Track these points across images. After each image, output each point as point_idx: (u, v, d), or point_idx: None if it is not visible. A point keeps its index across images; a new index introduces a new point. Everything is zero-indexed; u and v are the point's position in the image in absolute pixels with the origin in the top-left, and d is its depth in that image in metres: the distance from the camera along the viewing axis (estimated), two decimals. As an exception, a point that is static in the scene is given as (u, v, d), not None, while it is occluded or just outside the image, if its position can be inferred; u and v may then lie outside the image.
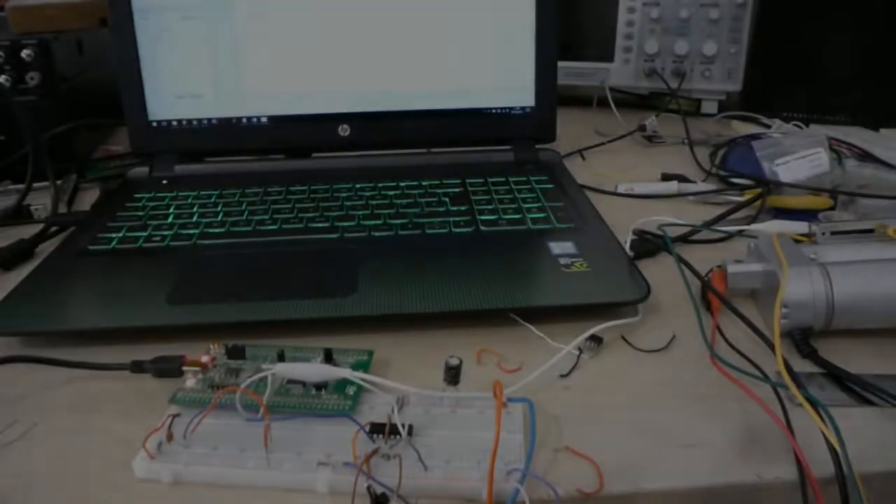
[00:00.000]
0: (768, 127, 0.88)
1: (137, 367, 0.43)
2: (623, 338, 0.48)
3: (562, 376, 0.44)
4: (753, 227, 0.56)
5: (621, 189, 0.73)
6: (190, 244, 0.57)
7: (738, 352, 0.45)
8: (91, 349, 0.46)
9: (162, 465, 0.36)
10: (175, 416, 0.39)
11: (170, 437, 0.37)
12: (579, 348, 0.45)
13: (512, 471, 0.35)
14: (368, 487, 0.33)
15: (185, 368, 0.42)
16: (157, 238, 0.58)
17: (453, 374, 0.38)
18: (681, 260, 0.52)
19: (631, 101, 1.04)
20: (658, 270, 0.54)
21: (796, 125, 0.87)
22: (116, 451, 0.38)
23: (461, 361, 0.38)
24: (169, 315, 0.47)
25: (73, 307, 0.48)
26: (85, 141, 0.84)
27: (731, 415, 0.40)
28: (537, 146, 0.76)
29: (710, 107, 1.00)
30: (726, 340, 0.47)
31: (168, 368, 0.42)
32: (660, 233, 0.58)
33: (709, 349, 0.45)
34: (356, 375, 0.38)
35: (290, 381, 0.40)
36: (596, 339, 0.46)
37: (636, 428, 0.40)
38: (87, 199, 0.74)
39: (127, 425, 0.40)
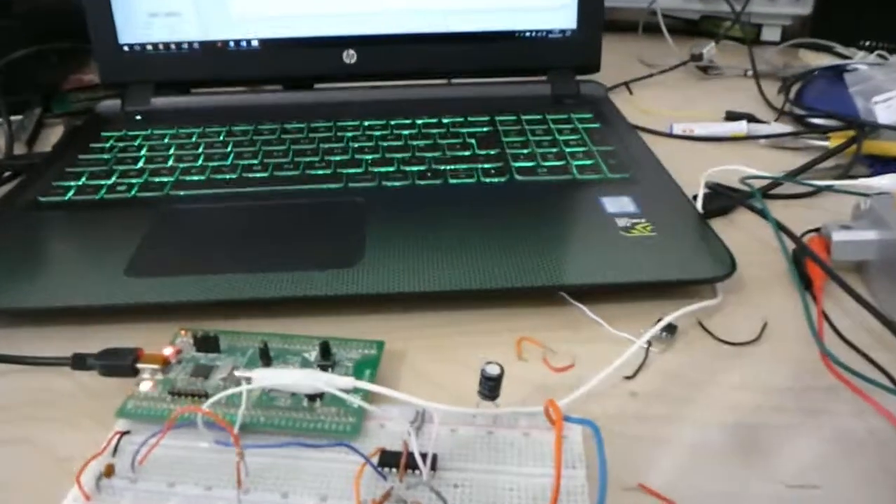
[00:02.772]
0: (847, 58, 0.75)
1: (80, 362, 0.33)
2: (701, 325, 0.37)
3: (626, 378, 0.34)
4: (864, 181, 0.44)
5: (677, 130, 0.62)
6: (161, 195, 0.47)
7: (856, 349, 0.35)
8: (29, 332, 0.37)
9: (100, 509, 0.27)
10: (123, 434, 0.30)
11: (108, 472, 0.27)
12: (648, 341, 0.35)
13: (574, 531, 0.25)
14: (376, 556, 0.24)
15: (140, 366, 0.32)
16: (123, 187, 0.48)
17: (492, 387, 0.28)
18: (778, 225, 0.41)
19: (677, 27, 0.91)
20: (734, 235, 0.43)
21: (881, 55, 0.74)
22: (48, 475, 0.29)
23: (502, 371, 0.28)
24: (125, 292, 0.37)
25: (8, 278, 0.39)
26: (52, 70, 0.72)
27: (853, 438, 0.31)
28: (578, 77, 0.64)
29: (771, 34, 0.87)
30: (836, 331, 0.36)
31: (118, 366, 0.32)
32: (736, 186, 0.47)
33: (818, 345, 0.35)
34: (362, 386, 0.29)
35: (273, 391, 0.31)
36: (669, 329, 0.36)
37: (729, 455, 0.30)
38: (53, 138, 0.64)
39: (67, 438, 0.31)
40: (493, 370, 0.28)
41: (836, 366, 0.33)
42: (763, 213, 0.41)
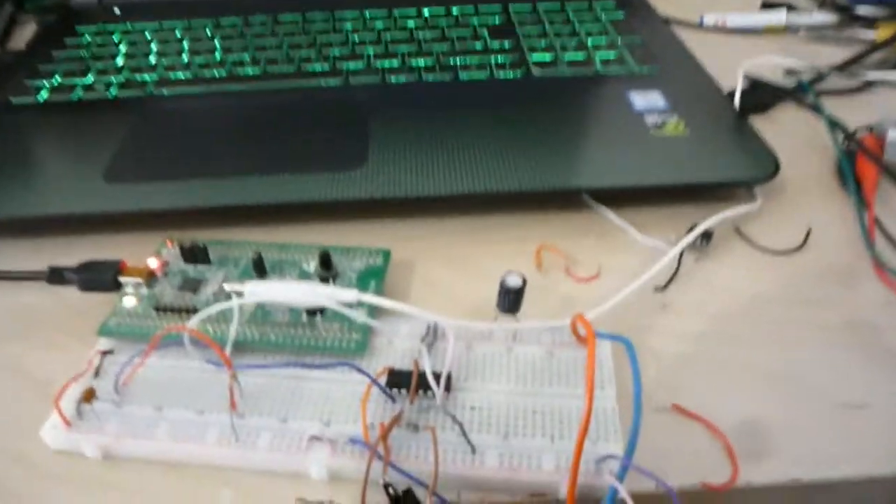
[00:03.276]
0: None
1: (57, 276, 0.30)
2: (739, 232, 0.34)
3: (657, 289, 0.31)
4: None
5: (708, 21, 0.56)
6: (143, 94, 0.43)
7: (912, 256, 0.32)
8: (3, 244, 0.34)
9: (83, 436, 0.24)
10: (105, 353, 0.27)
11: (88, 397, 0.25)
12: (681, 249, 0.32)
13: (604, 458, 0.23)
14: (386, 487, 0.22)
15: (122, 279, 0.29)
16: (101, 86, 0.43)
17: (513, 300, 0.25)
18: (831, 119, 0.37)
19: None
20: (772, 134, 0.38)
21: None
22: (27, 401, 0.27)
23: (525, 282, 0.25)
24: (105, 199, 0.34)
25: (-20, 185, 0.35)
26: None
27: (912, 355, 0.28)
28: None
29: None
30: (890, 238, 0.33)
31: (98, 280, 0.29)
32: (773, 81, 0.43)
33: (870, 252, 0.31)
34: (367, 299, 0.26)
35: (269, 305, 0.28)
36: (704, 236, 0.33)
37: (773, 375, 0.27)
38: (27, 35, 0.58)
39: (45, 359, 0.28)
40: (515, 281, 0.25)
41: (890, 275, 0.30)
42: (814, 107, 0.37)
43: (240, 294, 0.25)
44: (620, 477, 0.22)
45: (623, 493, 0.21)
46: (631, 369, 0.23)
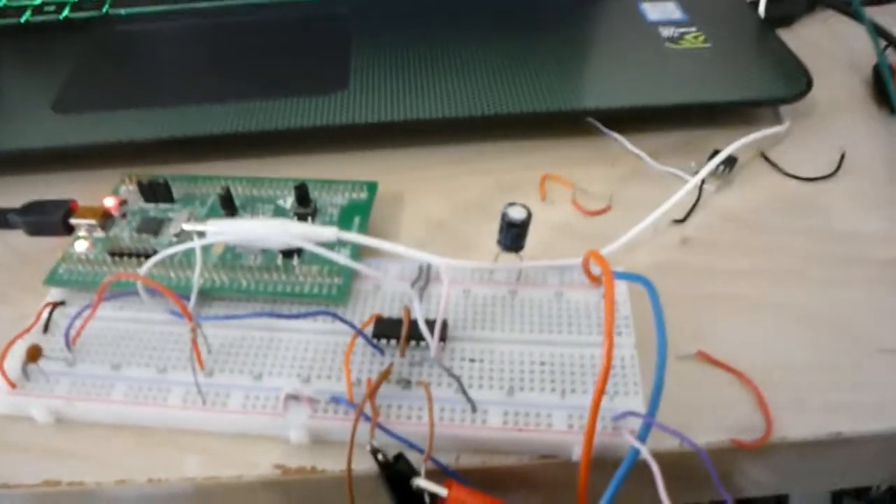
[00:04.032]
0: None
1: (0, 220, 0.27)
2: (765, 157, 0.31)
3: (676, 222, 0.28)
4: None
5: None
6: (98, 15, 0.38)
7: (960, 180, 0.28)
8: (-57, 185, 0.30)
9: (31, 399, 0.21)
10: (55, 305, 0.24)
11: (33, 355, 0.22)
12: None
13: (625, 415, 0.20)
14: (375, 452, 0.19)
15: (74, 221, 0.26)
16: (51, 7, 0.39)
17: (516, 235, 0.22)
18: (877, 28, 0.32)
19: None
20: (801, 48, 0.34)
21: None
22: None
23: (529, 214, 0.22)
24: (54, 131, 0.30)
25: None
26: None
27: (961, 290, 0.25)
28: None
29: None
30: (934, 161, 0.29)
31: (46, 222, 0.26)
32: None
33: (914, 177, 0.28)
34: (350, 237, 0.22)
35: (239, 247, 0.25)
36: (727, 162, 0.29)
37: (807, 318, 0.24)
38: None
39: (-9, 313, 0.25)
40: (518, 213, 0.22)
41: (938, 201, 0.27)
42: (854, 14, 0.33)
43: (202, 234, 0.22)
44: (642, 437, 0.19)
45: (646, 454, 0.18)
46: (653, 313, 0.20)
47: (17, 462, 0.21)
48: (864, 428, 0.21)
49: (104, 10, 0.39)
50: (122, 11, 0.38)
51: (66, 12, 0.39)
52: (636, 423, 0.20)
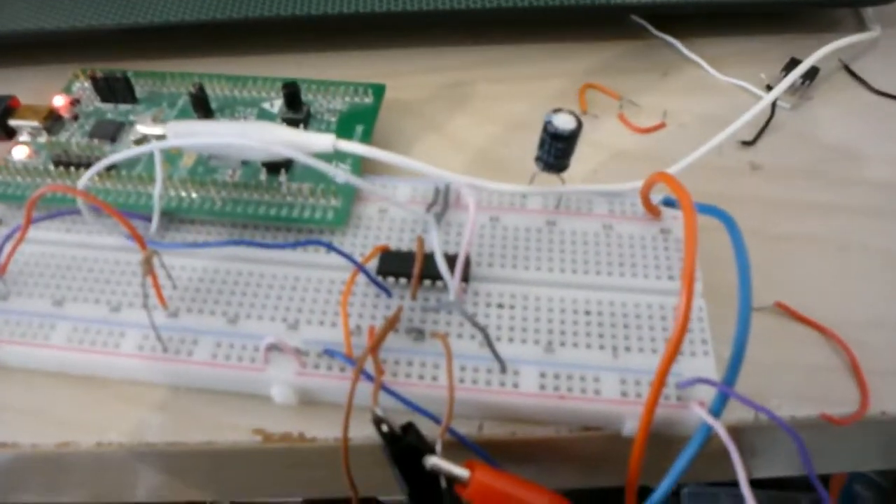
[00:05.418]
0: None
1: (-77, 117, 0.22)
2: (848, 70, 0.26)
3: (745, 144, 0.23)
4: None
5: None
6: None
7: None
8: None
9: (-51, 339, 0.17)
10: (-14, 224, 0.19)
11: (-47, 285, 0.17)
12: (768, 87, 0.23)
13: (693, 382, 0.16)
14: (378, 422, 0.15)
15: (14, 123, 0.21)
16: None
17: (561, 150, 0.17)
18: None
19: None
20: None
21: None
22: None
23: (580, 124, 0.17)
24: (-7, 12, 0.25)
25: None
26: None
27: None
28: None
29: None
30: None
31: (-22, 122, 0.21)
32: None
33: None
34: (349, 147, 0.18)
35: (213, 158, 0.20)
36: (809, 74, 0.24)
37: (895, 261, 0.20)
38: None
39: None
40: (566, 122, 0.17)
41: None
42: None
43: (160, 137, 0.17)
44: (716, 410, 0.15)
45: (722, 433, 0.14)
46: (734, 254, 0.16)
47: (-63, 416, 0.17)
48: (981, 402, 0.17)
49: None
50: None
51: None
52: (707, 393, 0.16)
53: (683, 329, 0.14)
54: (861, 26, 0.27)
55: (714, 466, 0.17)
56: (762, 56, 0.26)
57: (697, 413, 0.15)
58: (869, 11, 0.27)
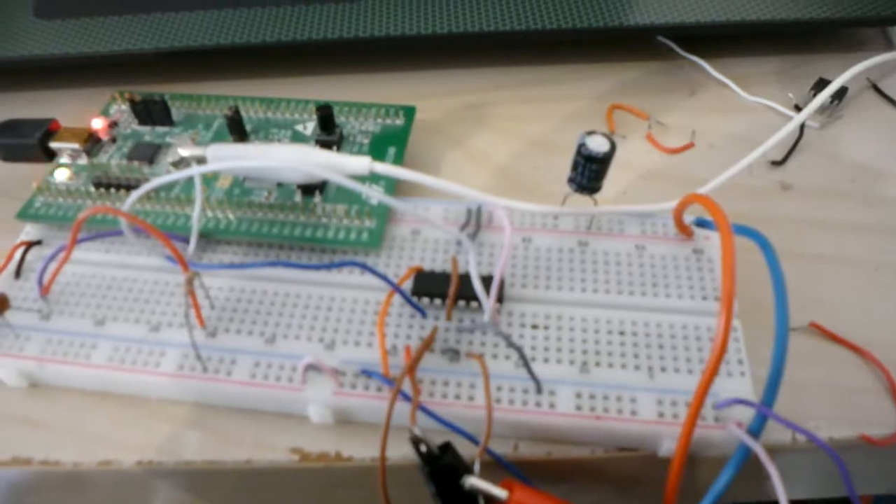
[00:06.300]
0: None
1: (-32, 140, 0.23)
2: (876, 89, 0.26)
3: (774, 164, 0.23)
4: None
5: None
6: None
7: None
8: None
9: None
10: (30, 245, 0.20)
11: (2, 306, 0.18)
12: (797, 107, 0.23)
13: (730, 403, 0.16)
14: (416, 441, 0.15)
15: (55, 145, 0.22)
16: None
17: (595, 172, 0.17)
18: None
19: None
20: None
21: None
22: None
23: (613, 146, 0.17)
24: (35, 40, 0.26)
25: None
26: None
27: None
28: None
29: None
30: None
31: (22, 146, 0.22)
32: None
33: None
34: (385, 169, 0.18)
35: (249, 180, 0.20)
36: (838, 95, 0.24)
37: (940, 279, 0.20)
38: None
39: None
40: (600, 144, 0.17)
41: None
42: None
43: (201, 160, 0.18)
44: (755, 431, 0.15)
45: (762, 454, 0.14)
46: (770, 275, 0.16)
47: (-19, 434, 0.17)
48: None
49: None
50: None
51: None
52: (745, 413, 0.16)
53: (723, 349, 0.14)
54: (889, 45, 0.27)
55: (751, 487, 0.17)
56: (790, 75, 0.26)
57: (736, 434, 0.15)
58: (895, 30, 0.27)
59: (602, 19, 0.26)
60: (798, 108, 0.25)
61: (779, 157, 0.23)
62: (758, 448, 0.15)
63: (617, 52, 0.27)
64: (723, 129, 0.24)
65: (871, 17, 0.26)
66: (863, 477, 0.19)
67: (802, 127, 0.24)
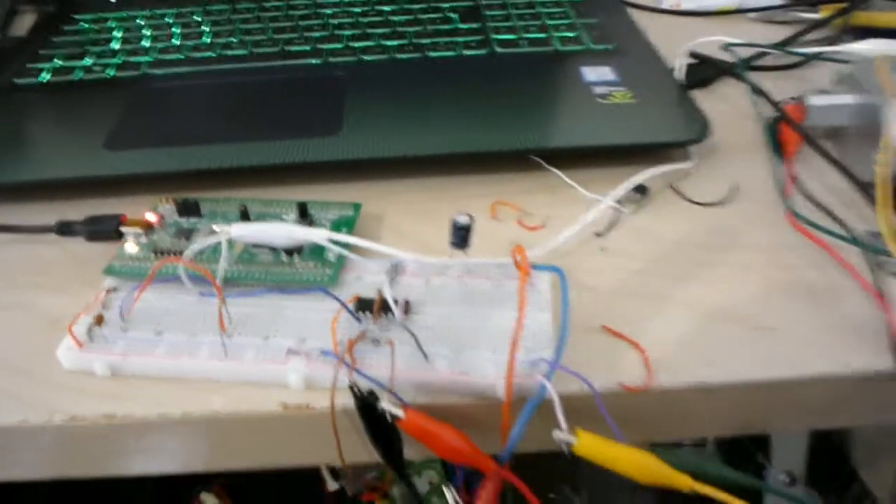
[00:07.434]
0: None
1: (65, 228, 0.34)
2: (672, 188, 0.38)
3: (598, 235, 0.35)
4: (845, 47, 0.44)
5: (666, 4, 0.60)
6: (138, 75, 0.47)
7: (820, 206, 0.36)
8: (12, 208, 0.38)
9: (93, 356, 0.28)
10: (111, 290, 0.31)
11: (99, 321, 0.29)
12: (618, 201, 0.36)
13: (537, 361, 0.27)
14: (352, 387, 0.26)
15: (123, 230, 0.33)
16: (98, 68, 0.47)
17: (462, 236, 0.29)
18: (756, 89, 0.41)
19: None
20: (714, 104, 0.43)
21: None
22: (41, 335, 0.30)
23: (472, 220, 0.29)
24: (105, 164, 0.38)
25: (-8, 154, 0.39)
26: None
27: (812, 288, 0.32)
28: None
29: None
30: (805, 194, 0.37)
31: (103, 230, 0.33)
32: (719, 56, 0.47)
33: (784, 202, 0.36)
34: (337, 237, 0.30)
35: (256, 246, 0.32)
36: (640, 190, 0.37)
37: (692, 304, 0.31)
38: (27, 24, 0.62)
39: (55, 300, 0.32)
40: (463, 219, 0.29)
41: (799, 221, 0.34)
42: (744, 79, 0.41)
43: (227, 232, 0.29)
44: (548, 376, 0.26)
45: (550, 388, 0.25)
46: (561, 291, 0.27)
47: (83, 403, 0.28)
48: (726, 378, 0.28)
49: (142, 70, 0.47)
50: (158, 71, 0.47)
51: (111, 72, 0.47)
52: (545, 368, 0.27)
53: (519, 331, 0.25)
54: (685, 157, 0.40)
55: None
56: (618, 180, 0.38)
57: (538, 379, 0.26)
58: (692, 148, 0.40)
59: (495, 145, 0.38)
60: (620, 202, 0.37)
61: (601, 231, 0.35)
62: (548, 384, 0.25)
63: (505, 165, 0.40)
64: (568, 214, 0.36)
65: (673, 141, 0.39)
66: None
67: (618, 210, 0.36)
